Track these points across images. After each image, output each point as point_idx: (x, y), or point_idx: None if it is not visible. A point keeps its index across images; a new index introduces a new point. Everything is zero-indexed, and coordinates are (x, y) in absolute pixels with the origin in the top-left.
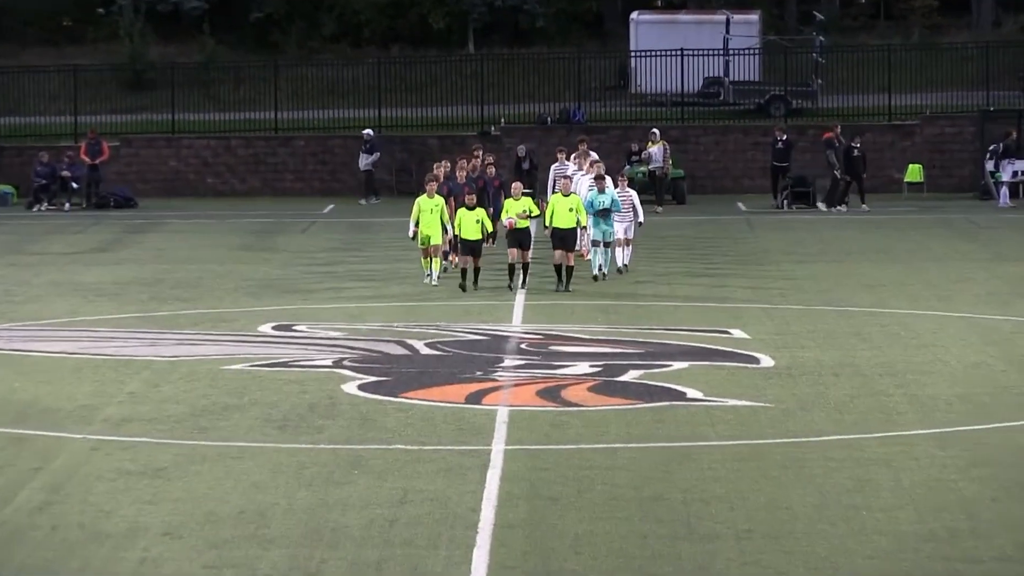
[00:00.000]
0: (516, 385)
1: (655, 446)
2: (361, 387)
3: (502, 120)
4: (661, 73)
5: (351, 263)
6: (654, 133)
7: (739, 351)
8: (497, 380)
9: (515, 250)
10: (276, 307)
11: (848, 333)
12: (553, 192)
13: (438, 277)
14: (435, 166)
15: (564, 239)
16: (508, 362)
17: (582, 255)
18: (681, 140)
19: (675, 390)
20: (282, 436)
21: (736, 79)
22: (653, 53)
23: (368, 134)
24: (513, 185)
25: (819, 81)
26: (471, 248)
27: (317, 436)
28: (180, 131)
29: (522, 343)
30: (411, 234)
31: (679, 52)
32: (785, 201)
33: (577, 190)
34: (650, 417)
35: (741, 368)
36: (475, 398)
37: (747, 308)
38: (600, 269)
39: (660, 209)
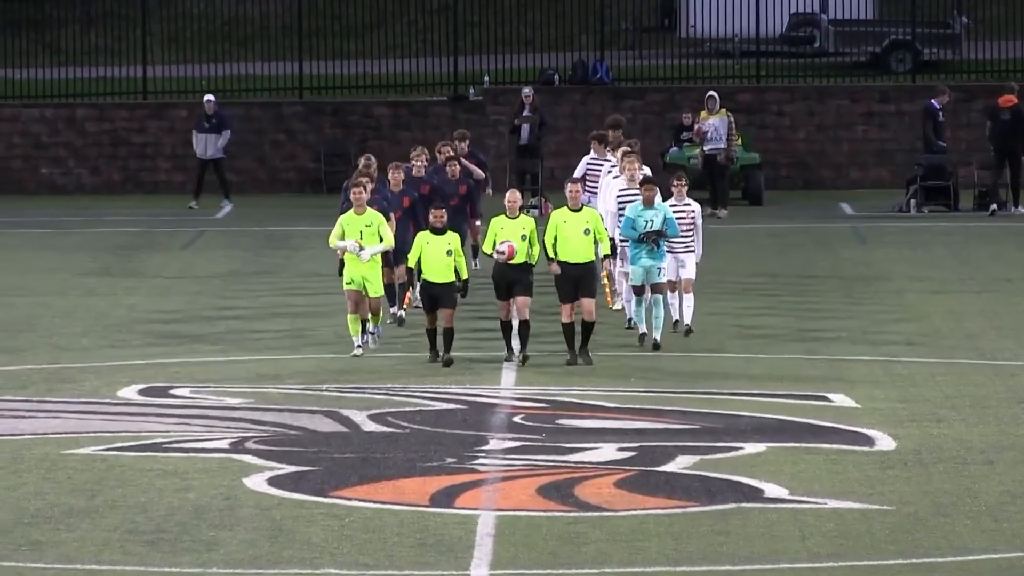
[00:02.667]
0: (507, 478)
1: (717, 570)
2: (272, 481)
3: (486, 78)
4: (725, 8)
5: (258, 294)
6: (712, 98)
7: (843, 426)
8: (478, 471)
9: (507, 302)
10: (145, 361)
11: (1007, 399)
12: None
13: (375, 340)
14: (362, 160)
15: (578, 281)
16: (495, 443)
17: (608, 297)
18: (756, 108)
19: (747, 485)
20: (154, 555)
21: (839, 16)
22: None
23: (211, 102)
24: (508, 195)
25: (964, 19)
26: (439, 297)
27: (207, 555)
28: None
29: (516, 414)
30: (348, 246)
31: None
32: (912, 201)
33: (602, 200)
34: (709, 526)
35: (847, 452)
36: (445, 498)
37: (855, 362)
38: (650, 329)
39: (723, 213)
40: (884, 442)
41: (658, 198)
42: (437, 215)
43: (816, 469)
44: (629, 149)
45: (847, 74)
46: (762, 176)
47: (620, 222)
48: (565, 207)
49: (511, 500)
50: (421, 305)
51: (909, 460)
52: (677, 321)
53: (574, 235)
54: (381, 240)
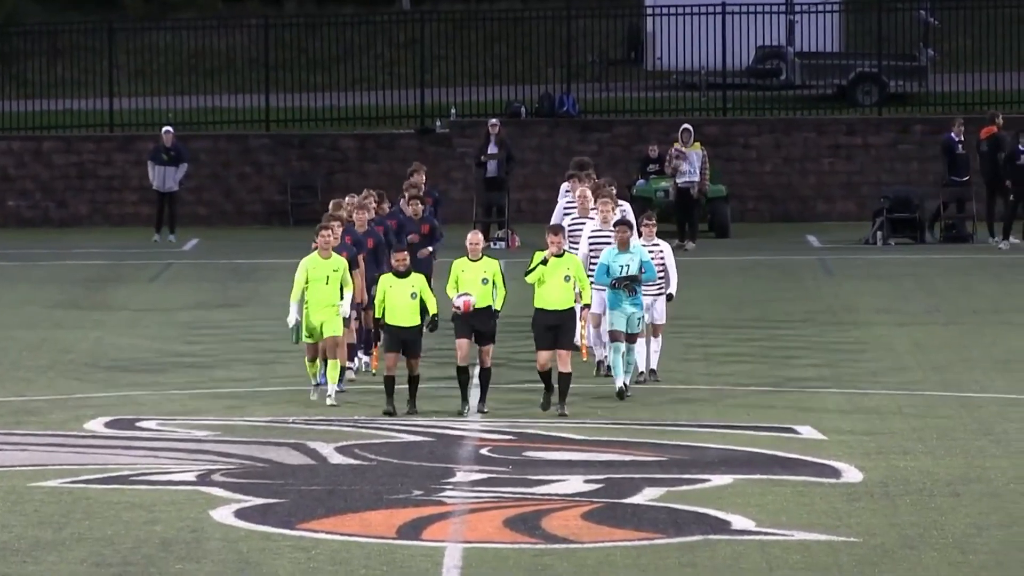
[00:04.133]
0: (473, 511)
1: None
2: (239, 514)
3: (452, 111)
4: (691, 41)
5: (225, 327)
6: (687, 131)
7: (810, 458)
8: (445, 503)
9: (466, 341)
10: (112, 393)
11: (974, 432)
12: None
13: (337, 392)
14: (340, 203)
15: (557, 330)
16: (462, 475)
17: (581, 350)
18: (723, 141)
19: (713, 517)
20: None
21: (805, 49)
22: (680, 10)
23: (169, 133)
24: (470, 237)
25: (930, 52)
26: (403, 341)
27: None
28: None
29: (483, 447)
30: (291, 323)
31: (718, 8)
32: (879, 233)
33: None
34: (676, 558)
35: (813, 484)
36: (412, 531)
37: (822, 394)
38: (625, 380)
39: (691, 246)
40: (851, 474)
41: (634, 239)
42: (399, 258)
43: (783, 501)
44: (586, 186)
45: (814, 107)
46: (729, 208)
47: (593, 265)
48: (548, 253)
49: (478, 532)
50: (384, 348)
51: (876, 492)
52: (643, 372)
53: (554, 282)
54: (342, 290)
